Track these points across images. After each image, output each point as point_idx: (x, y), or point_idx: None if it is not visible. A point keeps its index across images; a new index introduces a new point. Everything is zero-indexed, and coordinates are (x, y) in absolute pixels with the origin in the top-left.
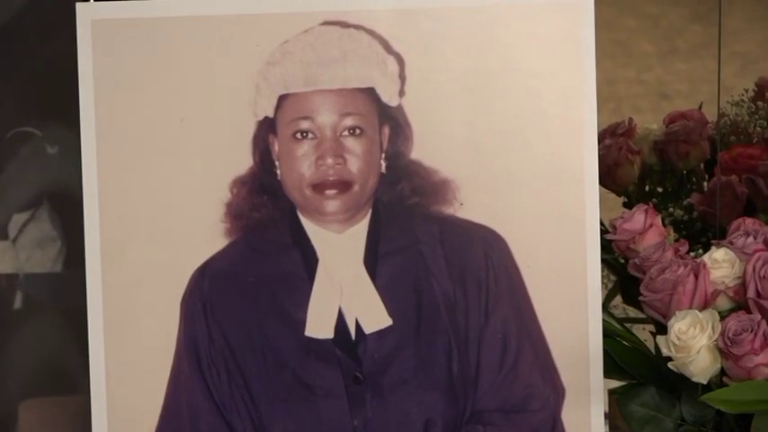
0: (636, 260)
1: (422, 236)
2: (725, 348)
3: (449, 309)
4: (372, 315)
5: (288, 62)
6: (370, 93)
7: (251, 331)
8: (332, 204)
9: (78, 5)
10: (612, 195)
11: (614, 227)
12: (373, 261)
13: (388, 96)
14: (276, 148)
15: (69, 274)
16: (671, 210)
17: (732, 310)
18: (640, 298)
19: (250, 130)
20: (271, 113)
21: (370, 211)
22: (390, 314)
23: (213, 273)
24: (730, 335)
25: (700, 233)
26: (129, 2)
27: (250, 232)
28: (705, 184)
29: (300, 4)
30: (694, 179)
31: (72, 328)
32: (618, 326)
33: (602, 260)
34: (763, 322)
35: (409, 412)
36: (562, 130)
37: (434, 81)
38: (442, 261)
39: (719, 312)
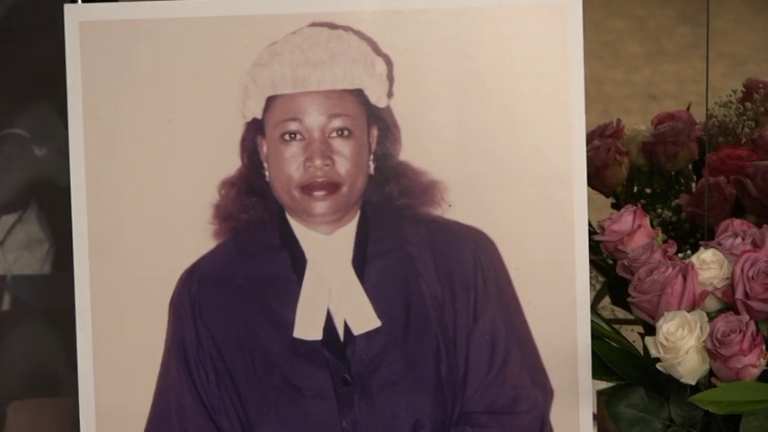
0: (624, 261)
1: (410, 237)
2: (713, 349)
3: (437, 310)
4: (361, 316)
5: (276, 63)
6: (359, 94)
7: (239, 333)
8: (320, 206)
9: (66, 7)
10: (601, 196)
11: (602, 228)
12: (362, 263)
13: (377, 97)
14: (264, 149)
15: (57, 275)
16: (659, 211)
17: (720, 311)
18: (629, 299)
19: (238, 131)
20: (259, 115)
21: (359, 212)
22: (379, 316)
23: (202, 274)
24: (719, 336)
25: (688, 234)
26: (117, 3)
27: (238, 234)
28: (693, 185)
29: (288, 6)
30: (682, 180)
31: (60, 330)
32: (606, 327)
33: (591, 261)
34: (752, 323)
35: (398, 413)
36: (550, 132)
37: (422, 82)
38: (430, 263)
39: (708, 313)
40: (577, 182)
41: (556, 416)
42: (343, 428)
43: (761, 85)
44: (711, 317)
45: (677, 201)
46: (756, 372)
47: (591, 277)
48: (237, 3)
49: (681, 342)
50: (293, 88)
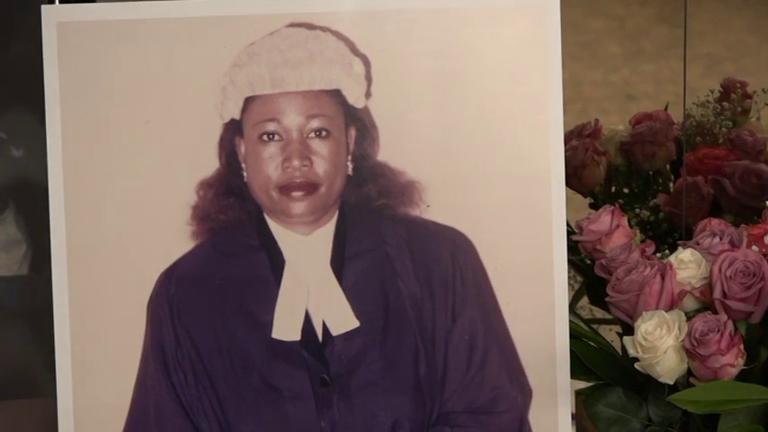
0: (602, 261)
1: (388, 238)
2: (691, 349)
3: (416, 310)
4: (339, 317)
5: (254, 64)
6: (337, 94)
7: (218, 334)
8: (298, 206)
9: (44, 8)
10: (579, 196)
11: (581, 228)
12: (340, 263)
13: (355, 98)
14: (242, 150)
15: (35, 276)
16: (637, 211)
17: (698, 311)
18: (607, 299)
19: (216, 132)
20: (237, 115)
21: (337, 212)
22: (357, 316)
23: (180, 275)
24: (697, 335)
25: (666, 234)
26: (94, 4)
27: (217, 235)
28: (671, 184)
29: (266, 6)
30: (660, 180)
31: (38, 331)
32: (585, 327)
33: (569, 261)
34: (730, 323)
35: (377, 414)
36: (528, 132)
37: (400, 82)
38: (408, 263)
39: (686, 313)
40: (555, 182)
41: (534, 416)
42: (322, 429)
43: (738, 84)
44: (689, 316)
45: (655, 200)
46: (734, 371)
47: (569, 277)
48: (215, 3)
49: (659, 342)
50: (271, 89)
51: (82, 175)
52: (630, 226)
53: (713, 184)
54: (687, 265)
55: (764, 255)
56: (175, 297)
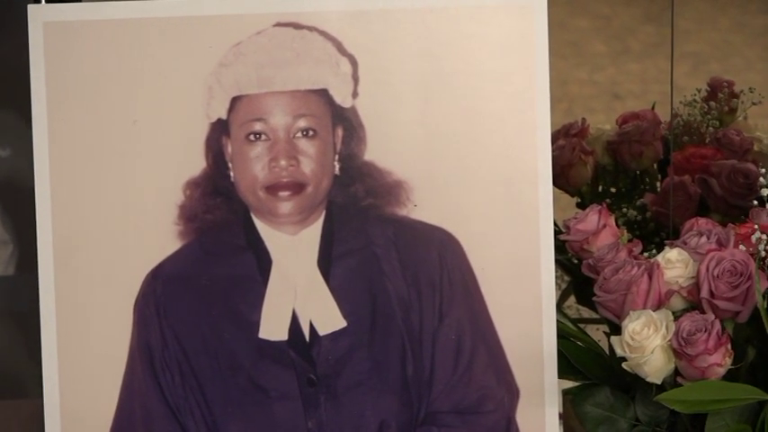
0: (589, 261)
1: (375, 238)
2: (679, 348)
3: (403, 310)
4: (326, 317)
5: (241, 64)
6: (324, 94)
7: (205, 334)
8: (285, 206)
9: (30, 7)
10: (566, 196)
11: (568, 227)
12: (327, 263)
13: (342, 98)
14: (229, 149)
15: (22, 277)
16: (624, 210)
17: (686, 311)
18: (594, 298)
19: (203, 131)
20: (224, 115)
21: (324, 212)
22: (345, 316)
23: (167, 275)
24: (684, 335)
25: (653, 233)
26: (81, 4)
27: (203, 234)
28: (658, 184)
29: (253, 6)
30: (647, 179)
31: (25, 332)
32: (572, 326)
33: (556, 261)
34: (717, 322)
35: (363, 414)
36: (515, 131)
37: (387, 82)
38: (395, 263)
39: (673, 312)
40: (543, 181)
41: (522, 415)
42: (309, 429)
43: (725, 84)
44: (677, 316)
45: (642, 200)
46: (722, 371)
47: (556, 277)
48: (202, 3)
49: (646, 341)
50: (258, 88)
51: (68, 175)
52: (617, 225)
53: (700, 184)
54: (674, 264)
55: (752, 254)
56: (162, 297)
